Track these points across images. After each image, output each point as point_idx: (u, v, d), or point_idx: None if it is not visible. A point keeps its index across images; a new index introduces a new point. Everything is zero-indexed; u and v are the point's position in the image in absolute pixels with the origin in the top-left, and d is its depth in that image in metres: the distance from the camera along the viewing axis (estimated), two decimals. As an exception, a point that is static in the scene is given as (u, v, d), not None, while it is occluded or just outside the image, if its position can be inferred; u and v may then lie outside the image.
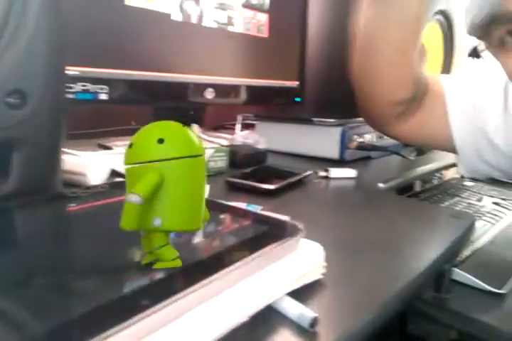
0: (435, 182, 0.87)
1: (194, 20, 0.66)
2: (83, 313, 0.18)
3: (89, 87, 0.54)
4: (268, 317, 0.23)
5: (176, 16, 0.63)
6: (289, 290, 0.25)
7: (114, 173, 0.50)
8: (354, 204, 0.49)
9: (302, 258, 0.28)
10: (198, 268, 0.23)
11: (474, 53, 0.43)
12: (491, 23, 0.39)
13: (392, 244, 0.37)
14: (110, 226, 0.23)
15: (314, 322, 0.22)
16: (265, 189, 0.48)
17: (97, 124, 0.77)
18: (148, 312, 0.18)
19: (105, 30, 0.55)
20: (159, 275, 0.22)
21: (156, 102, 0.66)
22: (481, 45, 0.42)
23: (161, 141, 0.22)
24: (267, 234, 0.28)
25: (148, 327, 0.18)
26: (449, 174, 0.92)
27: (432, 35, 0.90)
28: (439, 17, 0.89)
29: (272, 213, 0.38)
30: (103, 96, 0.56)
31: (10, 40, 0.29)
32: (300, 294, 0.26)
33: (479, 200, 0.76)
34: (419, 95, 0.57)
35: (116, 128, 0.75)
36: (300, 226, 0.34)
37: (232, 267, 0.23)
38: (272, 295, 0.24)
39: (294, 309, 0.23)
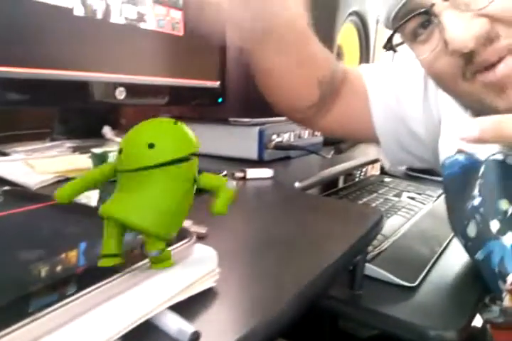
0: (357, 179, 0.89)
1: (99, 15, 0.62)
2: None
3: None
4: (145, 335, 0.21)
5: (79, 11, 0.59)
6: (174, 302, 0.23)
7: (5, 181, 0.45)
8: (267, 205, 0.48)
9: (192, 266, 0.26)
10: (67, 281, 0.21)
11: (389, 46, 0.43)
12: (405, 15, 0.39)
13: (299, 243, 0.36)
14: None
15: (194, 337, 0.20)
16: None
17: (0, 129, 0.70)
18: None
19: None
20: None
21: (59, 103, 0.61)
22: (396, 37, 0.43)
23: (151, 145, 0.21)
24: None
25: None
26: (370, 171, 0.95)
27: (347, 36, 0.92)
28: (354, 18, 0.91)
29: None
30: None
31: None
32: (189, 305, 0.24)
33: (397, 196, 0.78)
34: (330, 92, 0.57)
35: (17, 133, 0.69)
36: (198, 231, 0.32)
37: (101, 283, 0.21)
38: (150, 309, 0.22)
39: (173, 324, 0.21)
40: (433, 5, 0.36)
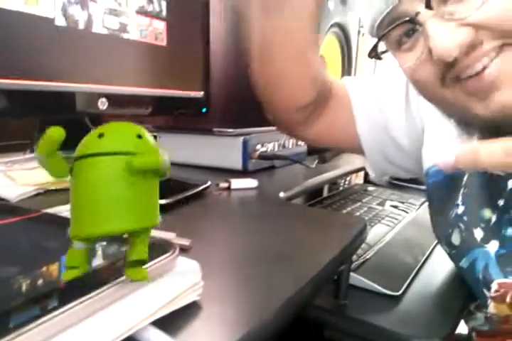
0: (341, 188, 0.89)
1: (81, 26, 0.62)
2: None
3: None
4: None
5: (61, 21, 0.58)
6: (157, 317, 0.23)
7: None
8: (252, 215, 0.48)
9: (175, 279, 0.25)
10: (49, 296, 0.21)
11: (374, 54, 0.43)
12: (390, 23, 0.40)
13: (282, 253, 0.36)
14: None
15: (178, 352, 0.20)
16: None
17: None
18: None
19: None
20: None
21: (40, 114, 0.60)
22: (380, 45, 0.43)
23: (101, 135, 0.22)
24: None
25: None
26: (354, 180, 0.95)
27: (329, 47, 0.93)
28: (336, 29, 0.93)
29: (157, 230, 0.35)
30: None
31: None
32: (172, 319, 0.23)
33: (381, 204, 0.79)
34: (322, 98, 0.58)
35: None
36: (182, 243, 0.32)
37: (83, 298, 0.20)
38: (133, 325, 0.21)
39: (156, 339, 0.21)
40: (418, 14, 0.37)
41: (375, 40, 0.43)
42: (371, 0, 0.40)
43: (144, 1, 0.74)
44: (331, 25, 0.89)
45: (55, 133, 0.21)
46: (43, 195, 0.47)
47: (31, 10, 0.55)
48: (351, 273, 0.46)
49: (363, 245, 0.52)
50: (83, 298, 0.21)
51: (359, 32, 1.04)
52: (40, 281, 0.24)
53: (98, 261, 0.26)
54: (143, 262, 0.23)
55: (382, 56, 0.44)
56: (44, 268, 0.26)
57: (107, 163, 0.21)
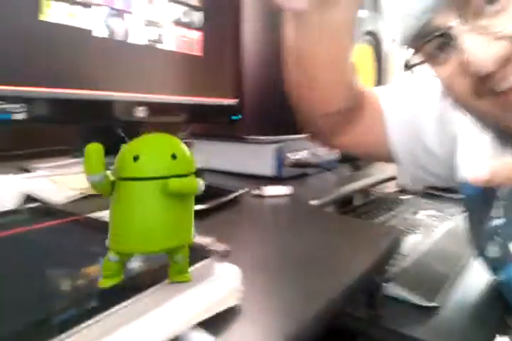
0: (373, 196, 0.88)
1: (120, 36, 0.64)
2: None
3: (5, 106, 0.50)
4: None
5: (99, 33, 0.61)
6: (200, 319, 0.23)
7: (30, 198, 0.46)
8: (286, 223, 0.48)
9: (216, 284, 0.26)
10: (95, 299, 0.22)
11: (407, 66, 0.43)
12: (422, 37, 0.40)
13: (319, 261, 0.36)
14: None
15: (221, 354, 0.21)
16: (195, 210, 0.46)
17: (24, 145, 0.72)
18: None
19: (20, 47, 0.52)
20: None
21: (81, 121, 0.63)
22: (413, 58, 0.43)
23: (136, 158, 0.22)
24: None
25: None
26: (387, 188, 0.94)
27: (362, 55, 0.93)
28: (368, 37, 0.92)
29: (196, 235, 0.36)
30: (19, 117, 0.52)
31: None
32: (214, 323, 0.24)
33: (414, 214, 0.77)
34: (355, 105, 0.58)
35: (41, 150, 0.71)
36: (221, 249, 0.33)
37: (128, 301, 0.21)
38: (179, 327, 0.22)
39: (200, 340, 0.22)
40: (451, 27, 0.37)
41: (408, 50, 0.43)
42: (405, 13, 0.40)
43: (180, 13, 0.76)
44: (364, 34, 0.89)
45: (95, 151, 0.22)
46: (86, 199, 0.49)
47: (73, 22, 0.58)
48: (386, 284, 0.45)
49: (398, 255, 0.52)
50: (127, 302, 0.21)
51: (392, 40, 1.04)
52: (82, 284, 0.25)
53: (140, 266, 0.27)
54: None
55: (416, 68, 0.44)
56: (86, 271, 0.27)
57: (144, 188, 0.22)
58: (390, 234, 0.43)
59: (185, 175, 0.23)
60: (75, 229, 0.35)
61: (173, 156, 0.22)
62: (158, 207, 0.22)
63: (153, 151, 0.22)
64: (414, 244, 0.60)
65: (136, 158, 0.22)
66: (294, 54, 0.55)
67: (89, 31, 0.59)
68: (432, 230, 0.68)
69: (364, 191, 0.80)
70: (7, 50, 0.51)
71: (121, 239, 0.22)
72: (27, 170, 0.59)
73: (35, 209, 0.42)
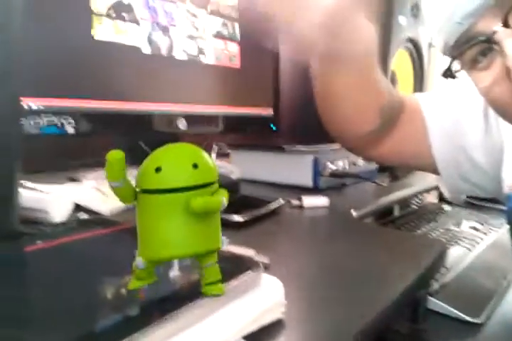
0: (414, 207, 0.86)
1: (164, 51, 0.66)
2: None
3: (55, 120, 0.53)
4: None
5: (146, 49, 0.63)
6: (248, 332, 0.24)
7: (79, 207, 0.48)
8: (325, 234, 0.48)
9: (260, 297, 0.26)
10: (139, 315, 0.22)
11: (448, 73, 0.43)
12: (464, 43, 0.39)
13: (361, 275, 0.36)
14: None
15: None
16: (234, 222, 0.47)
17: (72, 156, 0.75)
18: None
19: (74, 63, 0.55)
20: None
21: (127, 133, 0.65)
22: (454, 64, 0.43)
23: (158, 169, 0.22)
24: (223, 272, 0.27)
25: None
26: (428, 199, 0.92)
27: (401, 62, 0.92)
28: (408, 44, 0.91)
29: (237, 247, 0.37)
30: (70, 130, 0.54)
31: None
32: (258, 336, 0.24)
33: (457, 225, 0.75)
34: (391, 119, 0.57)
35: (87, 161, 0.74)
36: (262, 261, 0.33)
37: (175, 312, 0.22)
38: (228, 338, 0.23)
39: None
40: (495, 32, 0.36)
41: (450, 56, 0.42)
42: (446, 19, 0.40)
43: (219, 25, 0.78)
44: (403, 40, 0.89)
45: (116, 158, 0.23)
46: (132, 210, 0.51)
47: (121, 39, 0.60)
48: (430, 298, 0.45)
49: (442, 268, 0.50)
50: (174, 313, 0.22)
51: (430, 44, 1.02)
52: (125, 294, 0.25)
53: (189, 277, 0.27)
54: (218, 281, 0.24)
55: (457, 75, 0.43)
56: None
57: (166, 201, 0.22)
58: (433, 247, 0.42)
59: (208, 185, 0.23)
60: (122, 238, 0.36)
61: (195, 166, 0.22)
62: (183, 218, 0.22)
63: (174, 161, 0.22)
64: (457, 257, 0.59)
65: (158, 170, 0.22)
66: (319, 87, 0.55)
67: (139, 49, 0.62)
68: (476, 242, 0.66)
69: (404, 201, 0.79)
70: (61, 68, 0.54)
71: (146, 247, 0.23)
72: (74, 180, 0.62)
73: (86, 219, 0.44)
